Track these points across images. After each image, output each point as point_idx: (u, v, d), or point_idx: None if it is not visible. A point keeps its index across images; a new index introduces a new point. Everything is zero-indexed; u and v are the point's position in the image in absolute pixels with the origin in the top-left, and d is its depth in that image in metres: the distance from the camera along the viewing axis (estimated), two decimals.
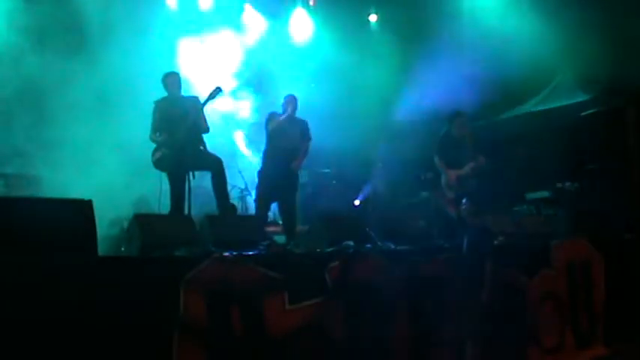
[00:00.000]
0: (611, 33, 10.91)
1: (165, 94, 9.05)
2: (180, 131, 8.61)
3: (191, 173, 8.50)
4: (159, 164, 8.80)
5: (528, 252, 7.30)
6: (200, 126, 8.86)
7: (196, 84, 11.63)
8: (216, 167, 8.75)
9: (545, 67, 12.82)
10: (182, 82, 9.22)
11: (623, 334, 7.42)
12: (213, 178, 8.80)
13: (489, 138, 11.81)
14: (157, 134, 8.83)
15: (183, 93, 9.17)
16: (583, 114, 11.34)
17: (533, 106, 13.43)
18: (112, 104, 10.47)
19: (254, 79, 13.45)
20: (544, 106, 13.15)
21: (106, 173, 9.61)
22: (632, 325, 7.58)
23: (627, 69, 10.21)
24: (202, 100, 8.82)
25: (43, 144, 10.11)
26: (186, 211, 8.43)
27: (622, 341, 7.35)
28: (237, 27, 13.56)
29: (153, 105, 8.98)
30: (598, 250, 7.64)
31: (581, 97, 12.28)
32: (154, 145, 8.90)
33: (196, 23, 12.93)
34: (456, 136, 9.94)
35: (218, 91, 8.81)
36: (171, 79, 9.05)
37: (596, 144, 10.86)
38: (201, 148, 8.86)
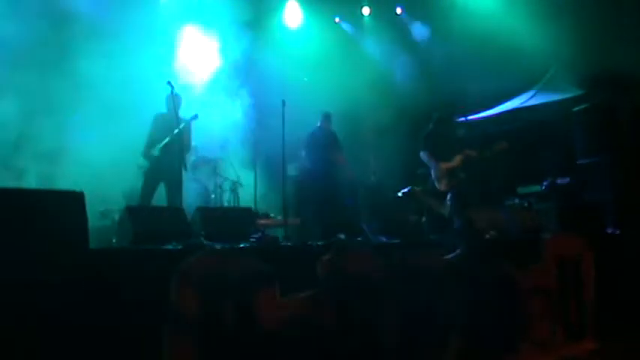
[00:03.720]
0: (604, 28, 10.93)
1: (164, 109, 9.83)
2: (160, 147, 9.51)
3: (183, 164, 8.72)
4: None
5: (519, 246, 7.32)
6: (183, 145, 9.49)
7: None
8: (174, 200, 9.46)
9: (538, 62, 12.83)
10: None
11: (613, 329, 7.44)
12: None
13: (481, 133, 11.85)
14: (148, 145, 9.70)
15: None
16: (575, 109, 11.35)
17: (525, 100, 13.44)
18: (103, 97, 10.42)
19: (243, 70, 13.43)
20: (536, 101, 13.16)
21: (97, 164, 9.56)
22: (622, 319, 7.61)
23: (619, 64, 10.22)
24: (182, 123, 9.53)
25: (33, 136, 10.07)
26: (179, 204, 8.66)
27: (612, 335, 7.38)
28: (230, 18, 13.52)
29: (152, 117, 9.78)
30: (589, 244, 7.65)
31: (573, 93, 12.30)
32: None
33: (194, 12, 12.89)
34: (443, 132, 10.01)
35: (194, 117, 9.65)
36: (173, 99, 9.53)
37: (588, 139, 10.87)
38: (178, 167, 9.37)
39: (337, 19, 15.14)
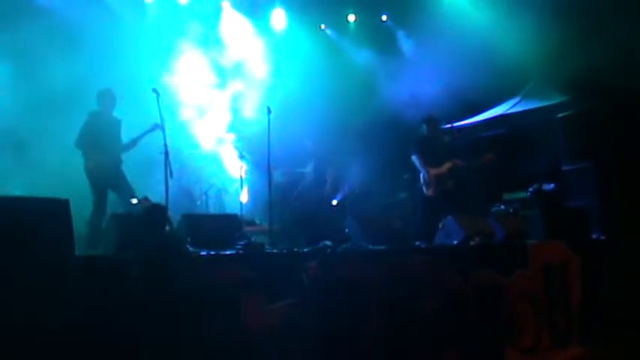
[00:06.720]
0: (587, 35, 10.97)
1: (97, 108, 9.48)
2: (104, 151, 9.18)
3: (169, 171, 8.61)
4: (87, 174, 9.24)
5: (505, 252, 7.32)
6: (120, 147, 9.49)
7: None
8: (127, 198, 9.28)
9: (522, 69, 12.86)
10: None
11: (599, 335, 7.46)
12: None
13: (467, 139, 11.87)
14: (81, 146, 9.23)
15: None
16: (559, 115, 11.40)
17: (509, 107, 13.47)
18: (86, 101, 10.36)
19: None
20: (521, 108, 13.19)
21: (82, 172, 9.50)
22: (608, 325, 7.62)
23: (603, 70, 10.27)
24: (139, 133, 9.51)
25: (15, 143, 10.01)
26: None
27: (598, 341, 7.39)
28: (215, 24, 13.54)
29: (86, 116, 9.35)
30: (574, 250, 7.67)
31: (557, 99, 12.34)
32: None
33: (174, 18, 12.86)
34: (432, 137, 10.06)
35: (155, 127, 9.22)
36: (107, 96, 9.47)
37: (573, 145, 10.91)
38: (120, 169, 9.45)
39: (322, 26, 15.10)
